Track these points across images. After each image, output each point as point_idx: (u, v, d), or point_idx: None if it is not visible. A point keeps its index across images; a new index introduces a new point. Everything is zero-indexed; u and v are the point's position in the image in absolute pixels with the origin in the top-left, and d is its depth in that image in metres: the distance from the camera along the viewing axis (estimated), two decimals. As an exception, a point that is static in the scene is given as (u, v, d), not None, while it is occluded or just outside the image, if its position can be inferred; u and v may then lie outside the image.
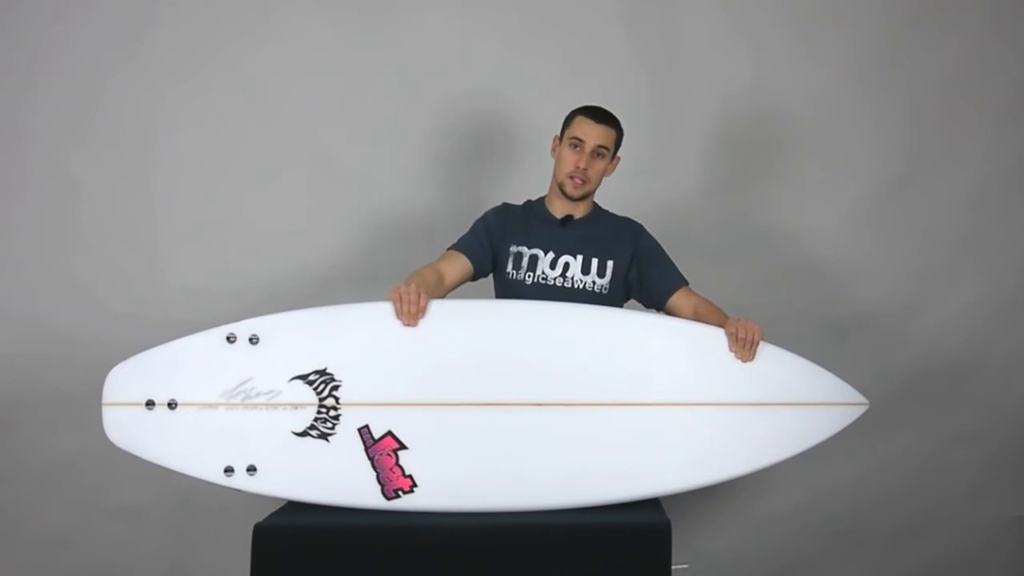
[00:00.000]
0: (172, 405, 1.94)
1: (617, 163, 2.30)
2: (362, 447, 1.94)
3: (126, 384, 1.95)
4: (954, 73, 3.01)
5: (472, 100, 2.93)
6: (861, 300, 3.00)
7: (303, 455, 1.94)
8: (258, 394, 1.94)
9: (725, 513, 2.98)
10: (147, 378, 1.95)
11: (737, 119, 2.97)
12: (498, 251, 2.27)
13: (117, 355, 1.98)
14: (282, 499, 2.00)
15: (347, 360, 1.97)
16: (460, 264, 2.23)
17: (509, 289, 2.24)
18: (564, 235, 2.26)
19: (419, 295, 1.97)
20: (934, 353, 3.01)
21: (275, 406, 1.94)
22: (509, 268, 2.25)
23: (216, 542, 2.82)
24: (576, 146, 2.21)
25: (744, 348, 2.03)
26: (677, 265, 2.30)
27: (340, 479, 1.94)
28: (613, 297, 2.24)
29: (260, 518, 1.91)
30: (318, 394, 1.95)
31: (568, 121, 2.26)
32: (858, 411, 2.07)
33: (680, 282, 2.27)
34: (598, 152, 2.22)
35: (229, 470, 1.93)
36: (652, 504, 2.02)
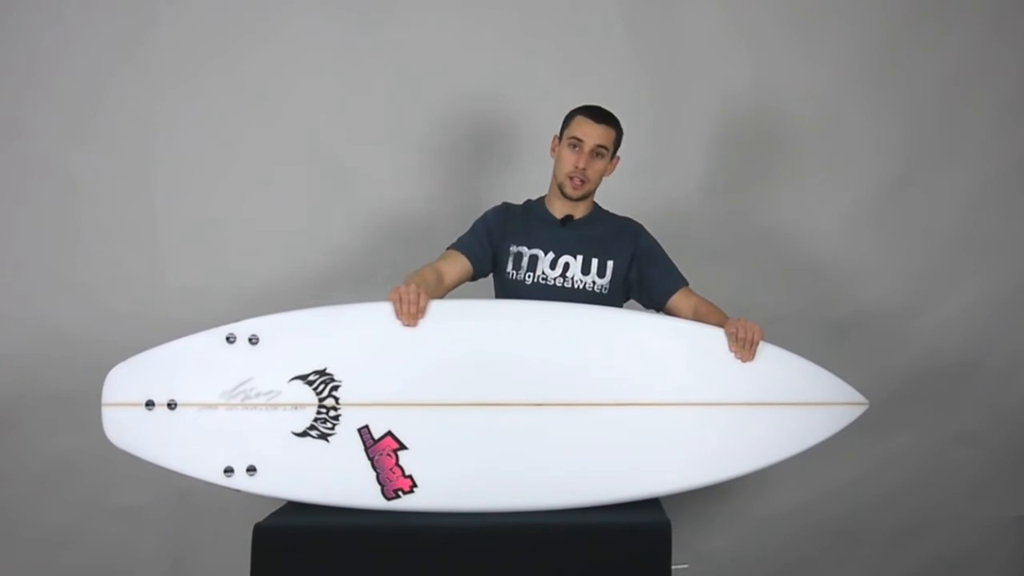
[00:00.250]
0: (172, 405, 1.94)
1: (617, 163, 2.30)
2: (362, 447, 1.94)
3: (126, 384, 1.95)
4: (954, 73, 3.01)
5: (472, 100, 2.93)
6: (861, 300, 3.00)
7: (303, 455, 1.94)
8: (258, 394, 1.94)
9: (725, 513, 2.98)
10: (147, 378, 1.95)
11: (737, 119, 2.97)
12: (498, 251, 2.27)
13: (117, 355, 1.98)
14: (282, 499, 2.00)
15: (347, 360, 1.96)
16: (460, 264, 2.23)
17: (509, 289, 2.24)
18: (564, 235, 2.25)
19: (419, 295, 1.97)
20: (934, 353, 3.01)
21: (275, 406, 1.94)
22: (509, 268, 2.25)
23: (216, 542, 2.82)
24: (575, 146, 2.21)
25: (744, 348, 2.03)
26: (677, 265, 2.30)
27: (340, 479, 1.94)
28: (613, 297, 2.24)
29: (260, 518, 1.91)
30: (318, 394, 1.95)
31: (567, 121, 2.26)
32: (858, 411, 2.07)
33: (680, 282, 2.27)
34: (597, 152, 2.21)
35: (229, 470, 1.93)
36: (652, 504, 2.02)
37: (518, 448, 1.97)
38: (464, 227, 2.31)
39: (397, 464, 1.95)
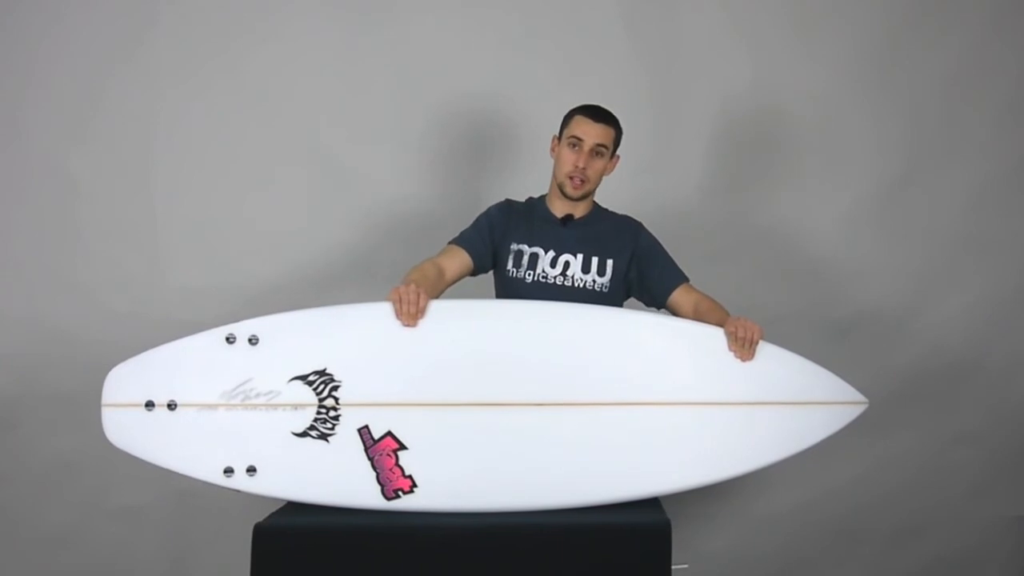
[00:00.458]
0: (172, 406, 1.94)
1: (616, 162, 2.30)
2: (362, 447, 1.94)
3: (126, 385, 1.95)
4: (954, 73, 3.01)
5: (472, 100, 2.93)
6: (861, 300, 3.00)
7: (303, 456, 1.94)
8: (258, 395, 1.94)
9: (725, 513, 2.98)
10: (147, 379, 1.95)
11: (737, 119, 2.97)
12: (499, 248, 2.27)
13: (117, 355, 1.98)
14: (282, 499, 2.00)
15: (347, 360, 1.96)
16: (460, 259, 2.23)
17: (509, 287, 2.24)
18: (565, 234, 2.25)
19: (419, 296, 1.97)
20: (934, 353, 3.01)
21: (275, 407, 1.94)
22: (509, 266, 2.25)
23: (216, 542, 2.82)
24: (575, 145, 2.21)
25: (743, 347, 2.03)
26: (670, 256, 2.30)
27: (340, 479, 1.94)
28: (613, 296, 2.24)
29: (260, 518, 1.91)
30: (318, 394, 1.95)
31: (566, 120, 2.26)
32: (857, 410, 2.07)
33: (680, 278, 2.27)
34: (597, 151, 2.21)
35: (229, 471, 1.93)
36: (652, 504, 2.02)
37: (518, 448, 1.97)
38: (464, 226, 2.31)
39: (397, 464, 1.95)
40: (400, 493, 1.95)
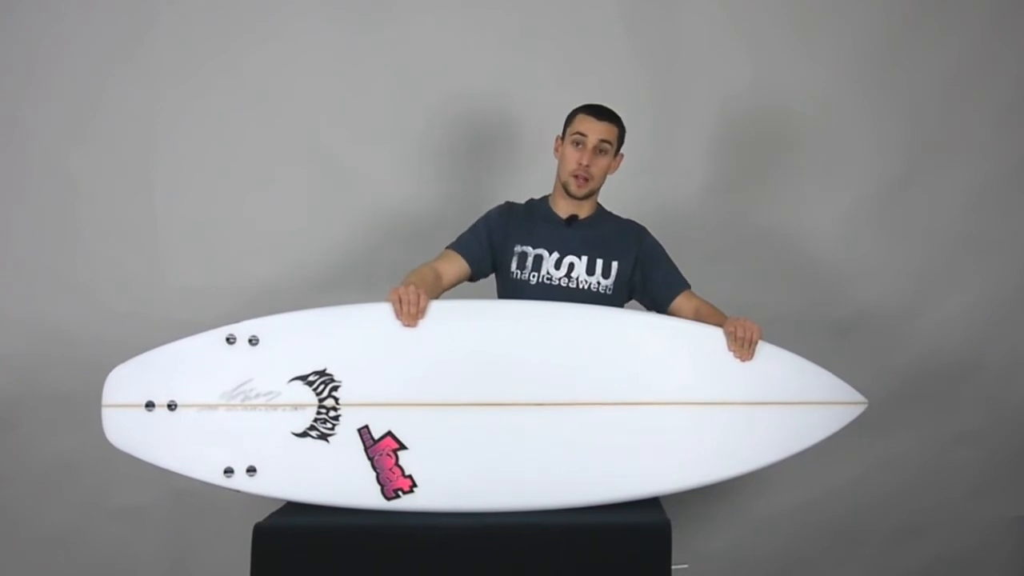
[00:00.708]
0: (172, 406, 1.94)
1: (621, 160, 2.30)
2: (362, 447, 1.95)
3: (126, 386, 1.95)
4: (954, 73, 3.01)
5: (472, 100, 2.92)
6: (861, 300, 3.00)
7: (303, 456, 1.94)
8: (258, 395, 1.94)
9: (725, 513, 2.98)
10: (147, 380, 1.95)
11: (737, 119, 2.97)
12: (501, 251, 2.26)
13: (117, 355, 1.98)
14: (282, 500, 2.00)
15: (347, 361, 1.97)
16: (458, 265, 2.23)
17: (513, 289, 2.24)
18: (569, 235, 2.26)
19: (419, 296, 1.97)
20: (934, 353, 3.01)
21: (275, 407, 1.94)
22: (513, 268, 2.24)
23: (216, 542, 2.82)
24: (578, 143, 2.21)
25: (743, 347, 2.03)
26: (678, 265, 2.31)
27: (340, 480, 1.94)
28: (616, 298, 2.24)
29: (260, 518, 1.91)
30: (318, 395, 1.95)
31: (569, 119, 2.26)
32: (857, 410, 2.07)
33: (682, 285, 2.27)
34: (601, 149, 2.22)
35: (229, 471, 1.93)
36: (652, 504, 2.02)
37: (518, 448, 1.98)
38: (464, 227, 2.31)
39: (397, 464, 1.95)
40: (400, 493, 1.95)
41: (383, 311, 1.98)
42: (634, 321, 2.11)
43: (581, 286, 2.22)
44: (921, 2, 2.99)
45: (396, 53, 2.90)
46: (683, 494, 2.03)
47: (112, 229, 2.85)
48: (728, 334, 2.04)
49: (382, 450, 1.95)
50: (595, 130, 2.21)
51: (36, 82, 2.82)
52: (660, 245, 2.31)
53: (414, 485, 1.95)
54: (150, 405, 1.94)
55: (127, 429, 1.94)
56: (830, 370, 2.08)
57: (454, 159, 2.93)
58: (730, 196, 2.99)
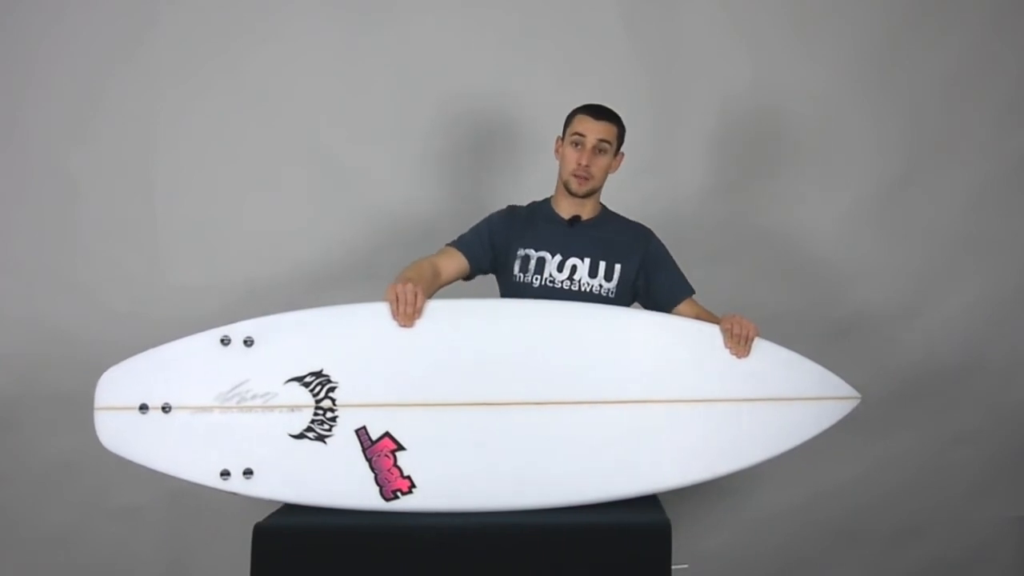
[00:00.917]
0: (166, 409, 1.94)
1: (621, 159, 2.30)
2: (360, 448, 1.94)
3: (119, 388, 1.94)
4: (954, 73, 3.01)
5: (472, 100, 2.92)
6: (861, 300, 3.00)
7: (300, 458, 1.94)
8: (253, 396, 1.94)
9: (725, 513, 2.98)
10: (140, 382, 1.94)
11: (737, 119, 2.97)
12: (503, 254, 2.26)
13: (117, 355, 1.97)
14: (279, 502, 2.00)
15: (343, 361, 1.96)
16: (457, 262, 2.23)
17: (515, 292, 2.24)
18: (572, 237, 2.25)
19: (416, 295, 1.96)
20: (934, 353, 3.01)
21: (271, 409, 1.94)
22: (516, 271, 2.24)
23: (215, 542, 2.82)
24: (578, 143, 2.22)
25: (739, 344, 2.03)
26: (678, 265, 2.30)
27: (338, 481, 1.94)
28: (619, 301, 2.24)
29: (260, 518, 1.91)
30: (314, 396, 1.95)
31: (568, 120, 2.27)
32: (850, 405, 2.08)
33: (687, 291, 2.27)
34: (600, 148, 2.22)
35: (225, 474, 1.93)
36: (652, 503, 2.02)
37: (516, 447, 1.97)
38: (464, 227, 2.31)
39: (395, 465, 1.94)
40: (399, 494, 1.94)
41: (380, 311, 1.97)
42: (630, 319, 2.10)
43: (583, 289, 2.22)
44: (921, 2, 2.99)
45: (396, 53, 2.90)
46: (683, 493, 2.03)
47: (112, 229, 2.85)
48: (724, 331, 2.05)
49: (380, 451, 1.95)
50: (593, 130, 2.21)
51: (36, 82, 2.82)
52: (665, 248, 2.31)
53: (413, 486, 1.95)
54: (144, 408, 1.93)
55: (121, 432, 1.93)
56: (830, 370, 2.08)
57: (454, 159, 2.93)
58: (730, 196, 2.99)
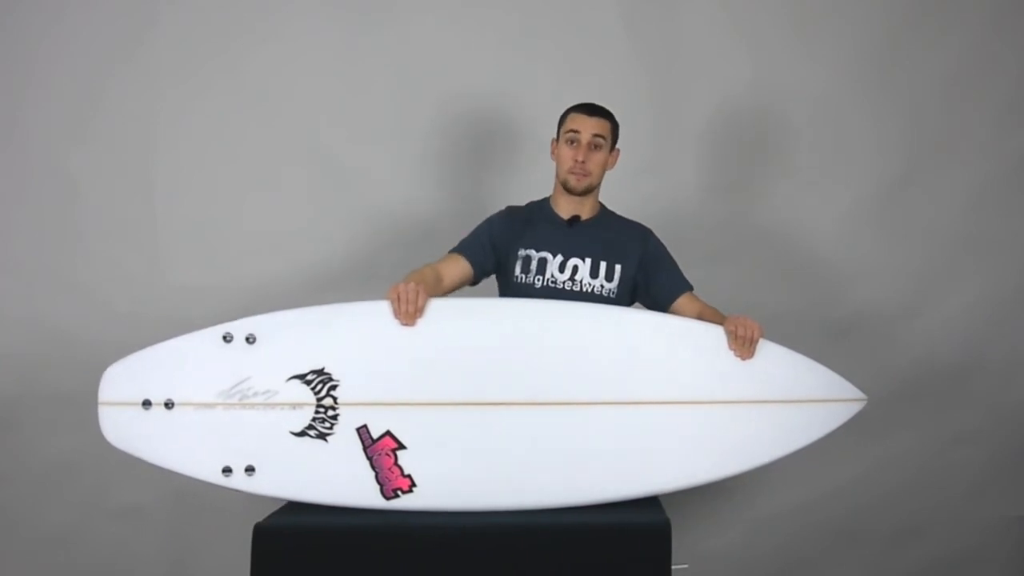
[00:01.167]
0: (169, 405, 1.94)
1: (617, 155, 2.30)
2: (360, 447, 1.94)
3: (122, 383, 1.95)
4: (954, 73, 3.01)
5: (472, 100, 2.92)
6: (861, 300, 3.00)
7: (301, 455, 1.94)
8: (255, 394, 1.94)
9: (725, 513, 2.98)
10: (143, 378, 1.95)
11: (737, 119, 2.97)
12: (503, 255, 2.26)
13: (117, 355, 1.98)
14: (281, 499, 2.00)
15: (345, 359, 1.96)
16: (460, 267, 2.22)
17: (517, 293, 2.23)
18: (572, 237, 2.25)
19: (417, 294, 1.96)
20: (934, 353, 3.01)
21: (273, 406, 1.94)
22: (517, 272, 2.24)
23: (216, 542, 2.82)
24: (573, 140, 2.22)
25: (743, 346, 2.03)
26: (678, 265, 2.30)
27: (339, 479, 1.94)
28: (620, 301, 2.24)
29: (260, 518, 1.91)
30: (316, 394, 1.95)
31: (562, 120, 2.27)
32: (856, 407, 2.07)
33: (685, 287, 2.27)
34: (595, 144, 2.22)
35: (227, 470, 1.93)
36: (652, 503, 2.02)
37: (517, 447, 1.97)
38: (464, 227, 2.31)
39: (396, 464, 1.94)
40: (399, 492, 1.94)
41: (381, 309, 1.98)
42: (633, 319, 2.10)
43: (585, 289, 2.22)
44: (921, 2, 2.99)
45: (396, 53, 2.90)
46: (683, 493, 2.02)
47: (112, 229, 2.85)
48: (729, 332, 2.04)
49: (381, 450, 1.95)
50: (588, 126, 2.21)
51: (36, 82, 2.82)
52: (664, 247, 2.31)
53: (413, 485, 1.95)
54: (147, 403, 1.94)
55: (124, 427, 1.94)
56: (830, 370, 2.08)
57: (454, 159, 2.93)
58: (730, 196, 2.99)
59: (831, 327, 2.95)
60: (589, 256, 2.23)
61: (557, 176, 2.28)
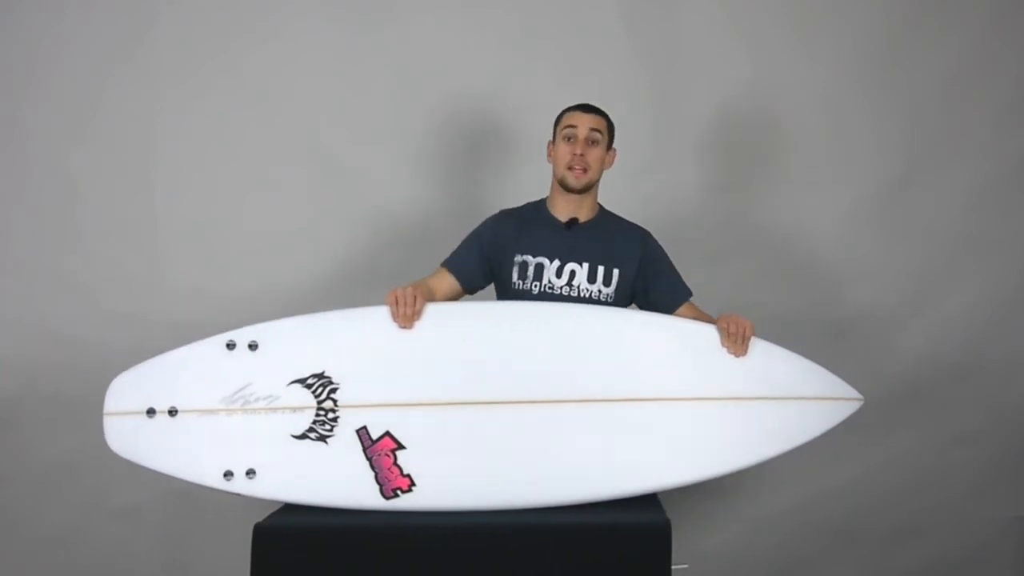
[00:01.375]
0: (173, 412, 1.95)
1: (614, 155, 2.30)
2: (360, 448, 1.95)
3: (127, 394, 1.96)
4: (954, 73, 3.01)
5: (472, 100, 2.92)
6: (861, 300, 3.00)
7: (302, 457, 1.94)
8: (257, 399, 1.95)
9: (725, 512, 2.98)
10: (148, 387, 1.96)
11: (737, 119, 2.97)
12: (498, 263, 2.26)
13: (117, 356, 1.99)
14: (281, 502, 2.00)
15: (345, 363, 1.97)
16: (447, 282, 2.23)
17: (514, 299, 2.23)
18: (569, 240, 2.24)
19: (415, 298, 1.98)
20: (934, 353, 3.01)
21: (274, 410, 1.95)
22: (515, 278, 2.23)
23: (216, 542, 2.82)
24: (570, 136, 2.22)
25: (736, 342, 2.03)
26: (678, 266, 2.30)
27: (339, 480, 1.95)
28: (618, 305, 2.23)
29: (260, 518, 1.91)
30: (316, 397, 1.96)
31: (558, 120, 2.28)
32: (852, 406, 2.08)
33: (685, 295, 2.27)
34: (592, 139, 2.22)
35: (229, 474, 1.94)
36: (652, 503, 2.02)
37: (515, 446, 1.98)
38: (463, 227, 2.31)
39: (395, 464, 1.95)
40: (399, 492, 1.95)
41: (380, 314, 1.99)
42: (629, 319, 2.11)
43: (583, 294, 2.21)
44: (921, 2, 2.99)
45: (396, 53, 2.90)
46: (683, 493, 2.03)
47: (112, 229, 2.85)
48: (721, 330, 2.05)
49: (380, 450, 1.95)
50: (584, 121, 2.21)
51: (36, 82, 2.82)
52: (663, 251, 2.30)
53: (412, 484, 1.95)
54: (151, 412, 1.95)
55: (129, 436, 1.95)
56: (829, 370, 2.08)
57: (454, 159, 2.93)
58: (730, 196, 2.99)
59: (831, 327, 2.95)
60: (587, 261, 2.23)
61: (554, 176, 2.28)
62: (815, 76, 2.98)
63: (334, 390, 1.96)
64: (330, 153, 2.90)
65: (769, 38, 2.98)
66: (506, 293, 2.26)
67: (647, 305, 2.27)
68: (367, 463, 1.95)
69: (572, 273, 2.22)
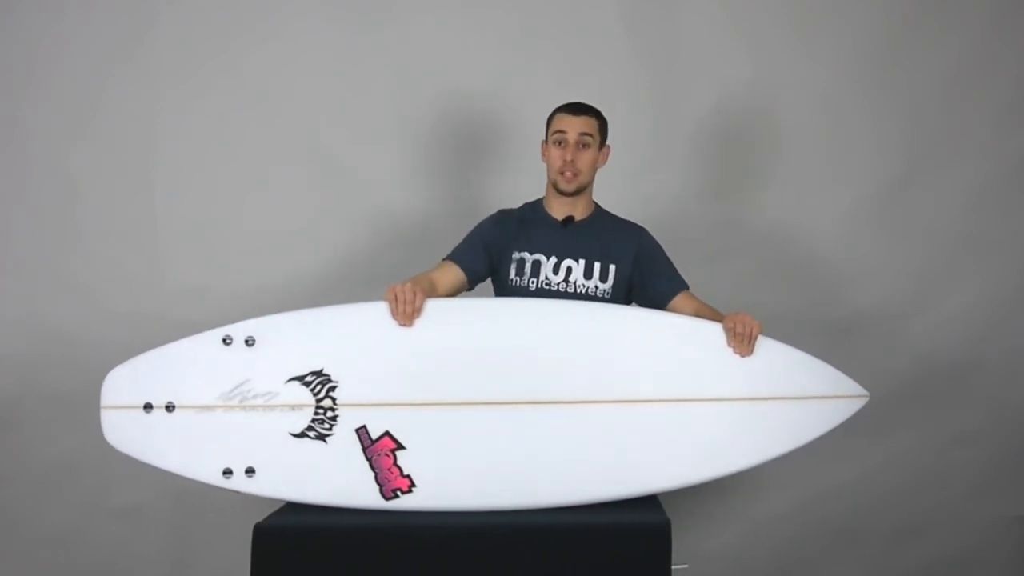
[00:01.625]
0: (170, 408, 1.94)
1: (608, 152, 2.29)
2: (360, 448, 1.95)
3: (124, 387, 1.95)
4: (954, 73, 3.01)
5: (472, 100, 2.93)
6: (861, 300, 3.00)
7: (301, 456, 1.94)
8: (255, 396, 1.94)
9: (725, 513, 2.98)
10: (145, 381, 1.95)
11: (737, 119, 2.97)
12: (497, 259, 2.26)
13: (117, 355, 1.98)
14: (281, 500, 2.00)
15: (344, 361, 1.97)
16: (453, 274, 2.23)
17: (511, 295, 2.23)
18: (566, 238, 2.25)
19: (415, 294, 1.97)
20: (934, 353, 3.01)
21: (272, 408, 1.94)
22: (512, 275, 2.24)
23: (216, 542, 2.82)
24: (560, 141, 2.22)
25: (742, 343, 2.02)
26: (677, 265, 2.30)
27: (338, 480, 1.94)
28: (615, 301, 2.23)
29: (260, 518, 1.91)
30: (315, 395, 1.95)
31: (549, 121, 2.27)
32: (858, 403, 2.07)
33: (681, 285, 2.27)
34: (583, 143, 2.21)
35: (227, 472, 1.93)
36: (652, 503, 2.02)
37: (516, 446, 1.97)
38: (464, 227, 2.32)
39: (395, 464, 1.95)
40: (399, 493, 1.95)
41: (379, 310, 1.98)
42: (631, 317, 2.10)
43: (579, 290, 2.22)
44: (921, 2, 2.99)
45: (396, 53, 2.90)
46: (684, 493, 2.02)
47: (112, 229, 2.85)
48: (727, 330, 2.04)
49: (380, 450, 1.95)
50: (574, 125, 2.21)
51: (36, 82, 2.82)
52: (659, 245, 2.30)
53: (412, 485, 1.95)
54: (148, 407, 1.94)
55: (125, 430, 1.94)
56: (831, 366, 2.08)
57: (454, 159, 2.94)
58: (730, 196, 2.99)
59: (831, 327, 2.95)
60: (583, 257, 2.23)
61: (548, 177, 2.28)
62: (815, 76, 2.98)
63: (333, 388, 1.95)
64: (330, 153, 2.90)
65: (769, 38, 2.98)
66: (504, 289, 2.26)
67: (644, 300, 2.27)
68: (367, 463, 1.94)
69: (569, 269, 2.22)
